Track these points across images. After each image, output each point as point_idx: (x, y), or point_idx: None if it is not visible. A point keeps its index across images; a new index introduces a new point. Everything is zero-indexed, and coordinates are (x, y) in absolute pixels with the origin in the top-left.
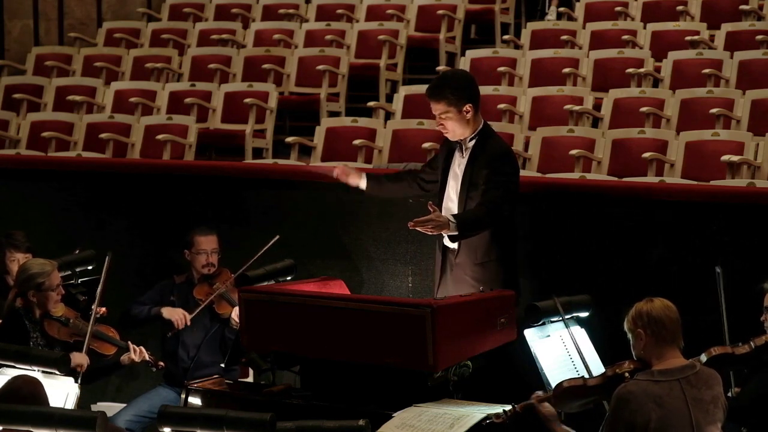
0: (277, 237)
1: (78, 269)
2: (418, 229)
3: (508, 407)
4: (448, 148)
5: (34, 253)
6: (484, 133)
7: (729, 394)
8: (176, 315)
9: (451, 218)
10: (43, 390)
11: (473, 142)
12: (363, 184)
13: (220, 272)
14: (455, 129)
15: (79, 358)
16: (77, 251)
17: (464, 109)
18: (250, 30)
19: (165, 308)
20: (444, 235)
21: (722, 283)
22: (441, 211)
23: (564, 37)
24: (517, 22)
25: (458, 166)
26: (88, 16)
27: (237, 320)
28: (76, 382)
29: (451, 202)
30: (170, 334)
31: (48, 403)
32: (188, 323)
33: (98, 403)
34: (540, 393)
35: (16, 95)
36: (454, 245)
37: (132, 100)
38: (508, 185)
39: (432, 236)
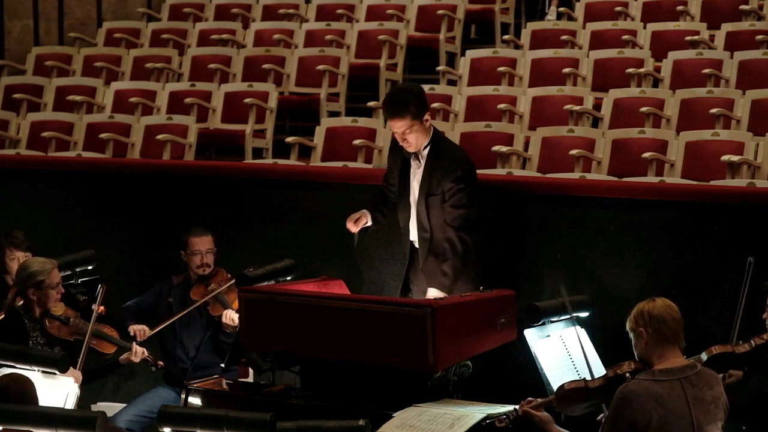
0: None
1: (78, 269)
2: None
3: (509, 407)
4: (402, 157)
5: (34, 252)
6: (436, 140)
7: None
8: (136, 328)
9: (435, 285)
10: (32, 388)
11: (427, 149)
12: (369, 220)
13: (216, 272)
14: (418, 141)
15: (72, 373)
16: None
17: (424, 119)
18: (250, 30)
19: (131, 326)
20: (413, 235)
21: (750, 273)
22: (409, 220)
23: (564, 37)
24: (517, 22)
25: (416, 175)
26: (88, 16)
27: (228, 322)
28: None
29: (412, 212)
30: (153, 368)
31: (37, 401)
32: (145, 338)
33: (98, 403)
34: (530, 399)
35: (16, 95)
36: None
37: (132, 100)
38: (471, 194)
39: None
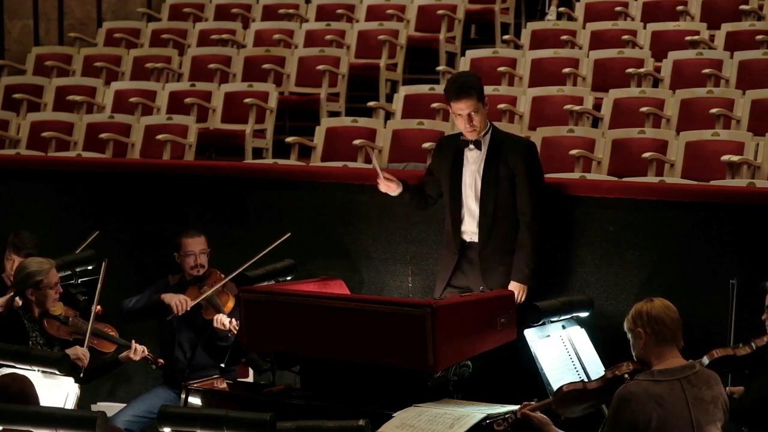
0: (288, 234)
1: (78, 269)
2: None
3: (509, 408)
4: (454, 150)
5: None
6: (494, 127)
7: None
8: (176, 299)
9: (519, 279)
10: (33, 387)
11: (488, 135)
12: (399, 191)
13: (210, 273)
14: (480, 124)
15: (79, 351)
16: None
17: (485, 102)
18: (250, 30)
19: (166, 294)
20: (468, 228)
21: (735, 295)
22: (462, 211)
23: (564, 37)
24: (517, 22)
25: (474, 162)
26: (88, 16)
27: (219, 327)
28: (77, 375)
29: (471, 200)
30: (170, 317)
31: (38, 401)
32: (188, 309)
33: (98, 403)
34: (531, 402)
35: (16, 95)
36: (476, 239)
37: (132, 100)
38: (542, 179)
39: (434, 236)
